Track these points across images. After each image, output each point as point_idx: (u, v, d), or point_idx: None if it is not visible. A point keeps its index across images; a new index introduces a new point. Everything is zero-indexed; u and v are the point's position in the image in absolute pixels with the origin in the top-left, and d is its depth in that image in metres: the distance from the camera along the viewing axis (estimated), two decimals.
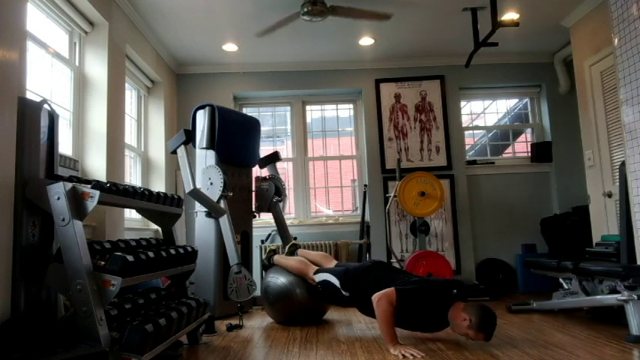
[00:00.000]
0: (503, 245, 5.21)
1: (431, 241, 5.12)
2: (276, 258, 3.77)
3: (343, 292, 3.12)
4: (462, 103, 5.55)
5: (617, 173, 3.51)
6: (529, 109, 5.67)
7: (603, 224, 4.02)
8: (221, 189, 3.85)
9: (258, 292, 4.22)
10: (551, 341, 2.72)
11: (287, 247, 4.01)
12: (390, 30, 4.57)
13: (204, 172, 3.96)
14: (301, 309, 3.50)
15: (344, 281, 3.13)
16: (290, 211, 5.36)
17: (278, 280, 3.57)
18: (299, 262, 3.57)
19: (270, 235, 5.10)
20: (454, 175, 5.23)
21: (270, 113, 5.75)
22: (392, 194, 4.86)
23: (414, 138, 5.29)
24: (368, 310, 2.90)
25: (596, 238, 4.10)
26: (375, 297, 2.69)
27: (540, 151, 5.34)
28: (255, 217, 4.51)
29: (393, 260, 4.71)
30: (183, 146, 3.84)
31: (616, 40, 3.17)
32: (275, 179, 4.51)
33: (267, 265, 3.84)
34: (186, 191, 3.77)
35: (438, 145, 5.28)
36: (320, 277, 3.31)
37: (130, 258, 2.10)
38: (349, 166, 5.68)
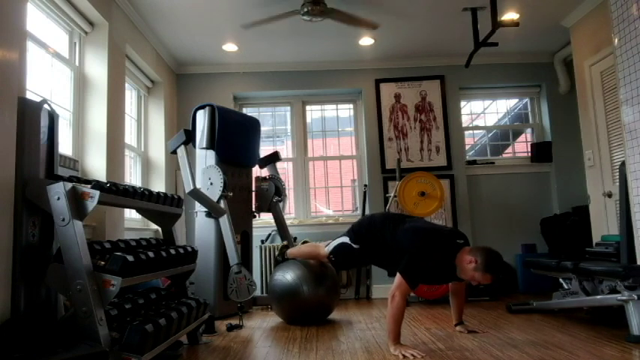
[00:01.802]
0: (504, 245, 5.17)
1: None
2: (289, 251, 3.79)
3: (354, 246, 3.11)
4: (462, 103, 5.55)
5: (617, 173, 3.51)
6: (529, 109, 5.67)
7: (603, 224, 4.02)
8: (221, 189, 3.86)
9: (258, 292, 4.23)
10: (551, 341, 2.72)
11: (300, 244, 4.01)
12: (390, 30, 4.57)
13: (204, 172, 3.96)
14: (308, 306, 3.50)
15: (353, 236, 3.15)
16: (290, 211, 5.36)
17: (285, 277, 3.56)
18: (310, 246, 3.67)
19: (270, 235, 5.09)
20: (454, 175, 5.23)
21: (270, 113, 5.75)
22: (392, 194, 4.87)
23: (414, 138, 5.29)
24: (379, 262, 2.91)
25: (596, 238, 4.10)
26: (390, 294, 2.66)
27: (540, 151, 5.34)
28: (255, 217, 4.51)
29: None
30: (183, 146, 3.84)
31: (616, 40, 3.17)
32: (275, 179, 4.51)
33: (281, 261, 3.82)
34: (186, 191, 3.77)
35: (438, 145, 5.28)
36: (331, 246, 3.32)
37: (130, 258, 2.10)
38: (349, 166, 5.67)
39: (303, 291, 3.47)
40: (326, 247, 3.37)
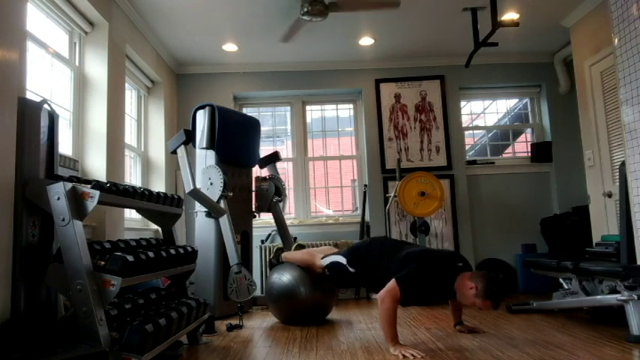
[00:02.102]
0: (503, 245, 5.21)
1: (431, 241, 5.12)
2: (284, 255, 3.79)
3: (350, 269, 3.10)
4: (462, 103, 5.55)
5: (617, 173, 3.51)
6: (529, 109, 5.67)
7: (603, 224, 4.02)
8: (221, 189, 3.86)
9: (258, 292, 4.23)
10: (551, 341, 2.72)
11: (293, 247, 4.02)
12: (390, 30, 4.57)
13: (204, 172, 3.96)
14: (305, 307, 3.50)
15: (350, 258, 3.13)
16: (290, 211, 5.36)
17: (282, 278, 3.56)
18: (305, 254, 3.61)
19: (270, 235, 5.09)
20: (454, 175, 5.23)
21: (270, 113, 5.75)
22: (392, 194, 4.87)
23: (414, 138, 5.29)
24: (375, 287, 2.91)
25: (596, 238, 4.10)
26: (379, 296, 2.66)
27: (540, 151, 5.34)
28: (255, 217, 4.51)
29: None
30: (183, 146, 3.84)
31: (616, 40, 3.17)
32: (275, 179, 4.51)
33: (275, 264, 3.82)
34: (186, 191, 3.77)
35: (438, 145, 5.28)
36: (326, 260, 3.31)
37: (130, 258, 2.10)
38: (349, 166, 5.68)
39: (300, 292, 3.47)
40: (322, 259, 3.35)
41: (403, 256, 2.80)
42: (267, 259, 4.84)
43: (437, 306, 2.92)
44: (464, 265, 2.70)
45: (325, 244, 4.90)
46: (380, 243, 3.10)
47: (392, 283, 2.63)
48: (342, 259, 3.17)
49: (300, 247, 4.01)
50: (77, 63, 3.51)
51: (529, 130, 5.70)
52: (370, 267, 2.96)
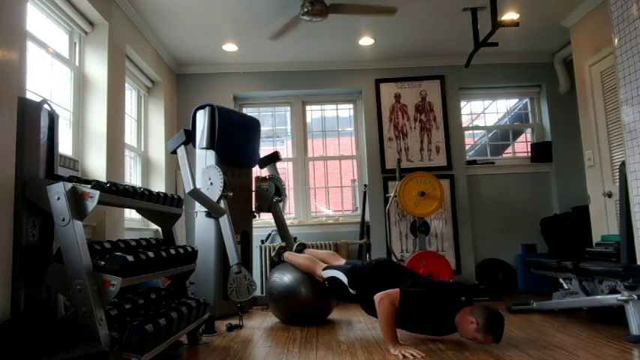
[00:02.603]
0: (503, 245, 5.21)
1: (431, 241, 5.12)
2: (287, 255, 3.77)
3: (350, 291, 3.11)
4: (462, 103, 5.55)
5: (617, 173, 3.51)
6: (529, 109, 5.67)
7: (603, 224, 4.02)
8: (221, 189, 3.85)
9: (258, 292, 4.23)
10: (551, 341, 2.72)
11: (295, 247, 4.00)
12: (390, 30, 4.57)
13: (204, 172, 3.96)
14: (306, 308, 3.49)
15: (351, 280, 3.11)
16: (290, 211, 5.36)
17: (284, 277, 3.55)
18: (308, 259, 3.57)
19: (270, 235, 5.09)
20: (454, 175, 5.23)
21: (270, 113, 5.75)
22: (392, 194, 4.86)
23: (414, 138, 5.29)
24: (372, 310, 2.89)
25: (596, 238, 4.10)
26: (377, 296, 2.67)
27: (540, 151, 5.34)
28: (255, 217, 4.51)
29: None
30: (183, 146, 3.84)
31: (616, 40, 3.17)
32: (275, 179, 4.51)
33: (277, 262, 3.81)
34: (186, 191, 3.77)
35: (438, 145, 5.28)
36: (328, 273, 3.30)
37: (130, 258, 2.10)
38: (349, 166, 5.68)
39: (301, 292, 3.46)
40: (323, 271, 3.34)
41: (409, 284, 2.78)
42: (269, 258, 4.84)
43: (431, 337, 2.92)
44: (466, 300, 2.67)
45: (325, 245, 4.91)
46: (384, 268, 3.05)
47: (394, 290, 2.64)
48: (344, 278, 3.15)
49: (302, 246, 3.99)
50: (77, 63, 3.51)
51: (529, 130, 5.70)
52: (371, 291, 2.88)
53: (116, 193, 2.33)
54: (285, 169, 5.50)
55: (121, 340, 2.00)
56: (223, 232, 3.84)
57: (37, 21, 3.08)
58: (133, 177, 4.57)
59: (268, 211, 4.49)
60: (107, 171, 3.47)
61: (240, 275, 3.63)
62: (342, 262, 3.48)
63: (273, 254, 3.95)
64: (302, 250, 3.93)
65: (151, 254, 2.35)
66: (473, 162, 5.41)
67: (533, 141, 5.52)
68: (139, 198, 2.56)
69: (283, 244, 4.05)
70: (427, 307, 2.66)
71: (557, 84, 5.35)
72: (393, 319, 2.62)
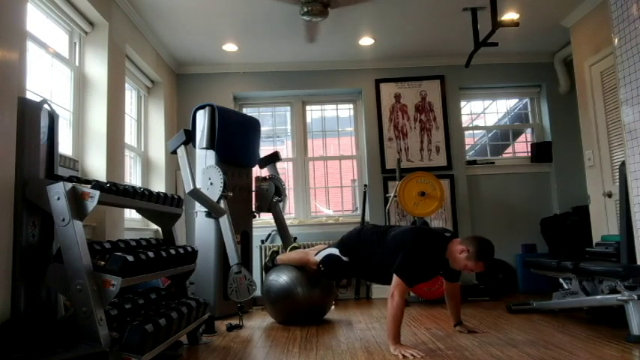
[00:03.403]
0: (504, 245, 5.19)
1: None
2: (279, 257, 3.80)
3: (344, 258, 3.15)
4: (462, 103, 5.55)
5: (617, 173, 3.51)
6: (529, 109, 5.67)
7: (603, 224, 4.02)
8: (221, 189, 3.86)
9: (258, 292, 4.22)
10: (551, 341, 2.72)
11: (288, 249, 4.02)
12: (390, 30, 4.57)
13: (204, 172, 3.96)
14: (302, 308, 3.50)
15: (342, 248, 3.19)
16: (290, 211, 5.36)
17: (279, 279, 3.56)
18: (300, 253, 3.66)
19: (270, 235, 5.09)
20: (454, 175, 5.23)
21: (270, 113, 5.75)
22: (392, 194, 4.86)
23: (414, 138, 5.29)
24: (369, 276, 2.93)
25: (596, 238, 4.10)
26: (389, 294, 2.68)
27: (540, 151, 5.34)
28: (255, 217, 4.51)
29: None
30: (183, 146, 3.84)
31: (616, 40, 3.17)
32: (275, 179, 4.51)
33: (271, 267, 3.83)
34: (186, 191, 3.77)
35: (438, 145, 5.28)
36: (320, 255, 3.35)
37: (130, 258, 2.10)
38: (349, 166, 5.68)
39: (297, 292, 3.47)
40: (315, 256, 3.38)
41: (393, 234, 2.89)
42: (264, 263, 4.85)
43: (443, 286, 2.94)
44: (452, 235, 2.79)
45: (322, 244, 4.90)
46: (370, 229, 3.15)
47: (395, 278, 2.68)
48: (335, 250, 3.23)
49: (295, 248, 4.01)
50: (77, 63, 3.51)
51: (529, 130, 5.70)
52: (363, 254, 3.04)
53: (116, 193, 2.33)
54: (285, 169, 5.50)
55: (121, 340, 2.00)
56: (223, 232, 3.84)
57: (37, 21, 3.08)
58: (133, 177, 4.57)
59: (268, 211, 4.50)
60: (107, 171, 3.47)
61: (240, 275, 3.63)
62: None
63: (266, 260, 3.99)
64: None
65: (151, 254, 2.35)
66: (473, 162, 5.41)
67: (533, 141, 5.52)
68: (139, 198, 2.56)
69: (275, 248, 4.08)
70: (421, 258, 2.72)
71: (557, 84, 5.35)
72: (401, 316, 2.64)
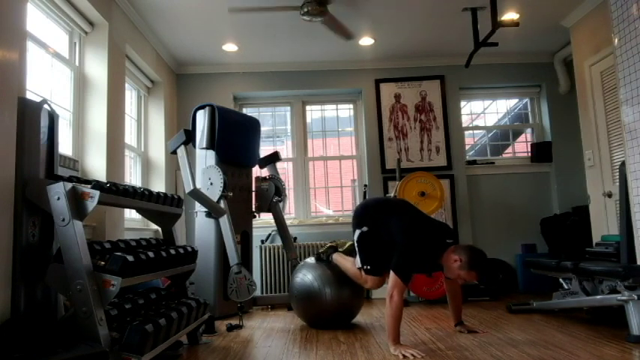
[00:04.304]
0: (504, 245, 5.20)
1: None
2: (335, 256, 3.48)
3: (364, 229, 3.07)
4: (462, 103, 5.55)
5: (617, 173, 3.51)
6: (529, 109, 5.67)
7: (603, 224, 4.02)
8: (221, 189, 3.85)
9: (258, 292, 4.22)
10: (551, 341, 2.72)
11: (345, 247, 3.68)
12: (390, 30, 4.57)
13: (204, 172, 3.96)
14: (330, 311, 3.32)
15: (357, 221, 3.16)
16: (290, 211, 5.36)
17: (306, 277, 3.40)
18: (354, 272, 3.24)
19: (270, 235, 5.10)
20: (454, 175, 5.23)
21: (270, 113, 5.75)
22: (392, 194, 4.86)
23: (414, 138, 5.29)
24: (386, 233, 2.95)
25: (596, 238, 4.10)
26: (387, 294, 2.67)
27: (540, 151, 5.34)
28: (255, 217, 4.51)
29: None
30: (183, 146, 3.83)
31: (616, 40, 3.17)
32: (275, 179, 4.51)
33: (324, 260, 3.52)
34: (186, 191, 3.76)
35: (438, 145, 5.28)
36: (358, 260, 3.15)
37: (130, 258, 2.10)
38: (349, 166, 5.68)
39: (325, 294, 3.29)
40: (357, 265, 3.18)
41: (397, 224, 2.88)
42: (268, 259, 4.84)
43: (443, 286, 2.94)
44: (452, 243, 2.78)
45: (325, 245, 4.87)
46: (374, 203, 3.25)
47: (392, 277, 2.68)
48: (358, 231, 3.12)
49: (351, 246, 3.58)
50: (77, 63, 3.51)
51: (529, 130, 5.70)
52: (372, 218, 3.07)
53: (116, 193, 2.33)
54: (285, 169, 5.50)
55: (121, 340, 2.00)
56: (223, 232, 3.83)
57: (37, 21, 3.08)
58: (133, 177, 4.57)
59: (268, 211, 4.49)
60: (107, 171, 3.47)
61: (240, 275, 3.63)
62: None
63: (321, 251, 3.63)
64: (330, 255, 3.60)
65: (151, 254, 2.35)
66: (473, 162, 5.41)
67: (533, 141, 5.52)
68: (139, 198, 2.56)
69: (334, 243, 3.69)
70: (418, 255, 2.74)
71: (557, 84, 5.35)
72: (400, 316, 2.64)
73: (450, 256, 2.68)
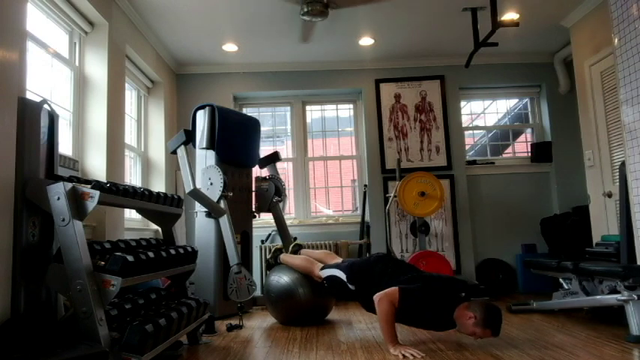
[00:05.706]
0: (503, 245, 5.20)
1: (431, 241, 5.12)
2: (283, 257, 3.77)
3: (350, 286, 3.06)
4: (462, 103, 5.55)
5: (617, 173, 3.51)
6: (529, 109, 5.67)
7: (603, 224, 4.02)
8: (221, 189, 3.85)
9: (258, 292, 4.22)
10: (551, 341, 2.72)
11: (290, 247, 3.99)
12: (390, 30, 4.57)
13: (204, 172, 3.96)
14: (304, 309, 3.49)
15: (350, 275, 3.08)
16: (290, 211, 5.36)
17: (281, 279, 3.55)
18: (305, 260, 3.54)
19: (270, 235, 5.10)
20: (454, 175, 5.23)
21: (270, 113, 5.75)
22: (392, 194, 4.86)
23: (414, 138, 5.29)
24: (372, 307, 2.87)
25: (596, 238, 4.10)
26: (376, 296, 2.67)
27: (540, 151, 5.34)
28: (255, 217, 4.51)
29: None
30: (183, 146, 3.84)
31: (616, 40, 3.17)
32: (275, 179, 4.51)
33: (273, 264, 3.82)
34: (186, 191, 3.77)
35: (438, 145, 5.28)
36: (326, 272, 3.27)
37: (130, 258, 2.10)
38: (349, 166, 5.68)
39: (299, 293, 3.45)
40: (321, 271, 3.31)
41: (407, 279, 2.78)
42: (265, 260, 4.84)
43: (427, 333, 2.93)
44: (466, 296, 2.67)
45: (325, 245, 4.91)
46: (384, 263, 3.03)
47: (393, 288, 2.65)
48: (342, 275, 3.11)
49: (298, 247, 3.98)
50: (77, 63, 3.51)
51: (529, 130, 5.70)
52: (370, 285, 2.89)
53: (116, 193, 2.33)
54: (285, 169, 5.50)
55: (121, 340, 2.00)
56: (223, 232, 3.84)
57: (37, 21, 3.08)
58: (133, 177, 4.57)
59: (268, 211, 4.49)
60: (107, 171, 3.47)
61: (240, 275, 3.63)
62: (338, 260, 3.46)
63: (269, 257, 3.94)
64: (298, 251, 3.90)
65: (151, 254, 2.35)
66: (473, 162, 5.41)
67: (533, 141, 5.52)
68: (139, 198, 2.56)
69: (279, 246, 4.02)
70: (427, 303, 2.64)
71: (557, 84, 5.35)
72: (393, 319, 2.62)
73: (465, 312, 2.55)
